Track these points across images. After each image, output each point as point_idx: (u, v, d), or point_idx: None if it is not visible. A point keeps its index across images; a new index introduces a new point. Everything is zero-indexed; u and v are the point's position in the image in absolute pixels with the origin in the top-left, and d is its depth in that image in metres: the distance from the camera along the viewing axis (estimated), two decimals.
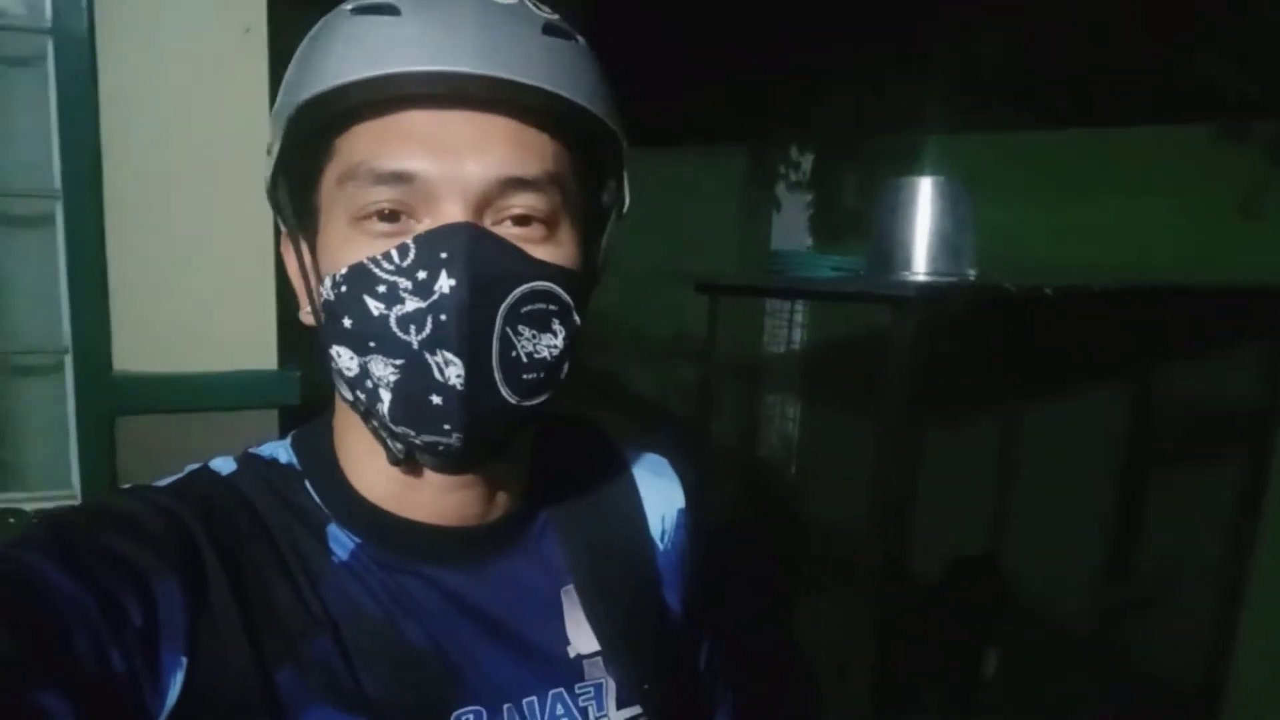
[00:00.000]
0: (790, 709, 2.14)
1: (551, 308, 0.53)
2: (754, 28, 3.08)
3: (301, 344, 1.46)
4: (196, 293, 1.37)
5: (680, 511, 0.72)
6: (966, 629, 2.26)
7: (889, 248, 1.76)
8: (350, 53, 0.50)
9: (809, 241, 3.30)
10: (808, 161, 3.39)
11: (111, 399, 1.35)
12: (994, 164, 2.66)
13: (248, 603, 0.52)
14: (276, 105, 0.56)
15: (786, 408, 3.17)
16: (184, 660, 0.49)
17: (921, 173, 2.62)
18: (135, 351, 1.35)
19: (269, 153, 0.57)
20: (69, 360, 1.35)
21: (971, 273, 1.73)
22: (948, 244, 1.72)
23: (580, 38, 0.55)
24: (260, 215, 1.38)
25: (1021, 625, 2.66)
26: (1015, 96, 2.68)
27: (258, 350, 1.40)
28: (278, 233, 1.42)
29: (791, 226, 3.37)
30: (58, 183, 1.31)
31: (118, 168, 1.31)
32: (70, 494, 1.39)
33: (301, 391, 1.41)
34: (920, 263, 1.73)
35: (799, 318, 2.89)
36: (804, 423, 3.19)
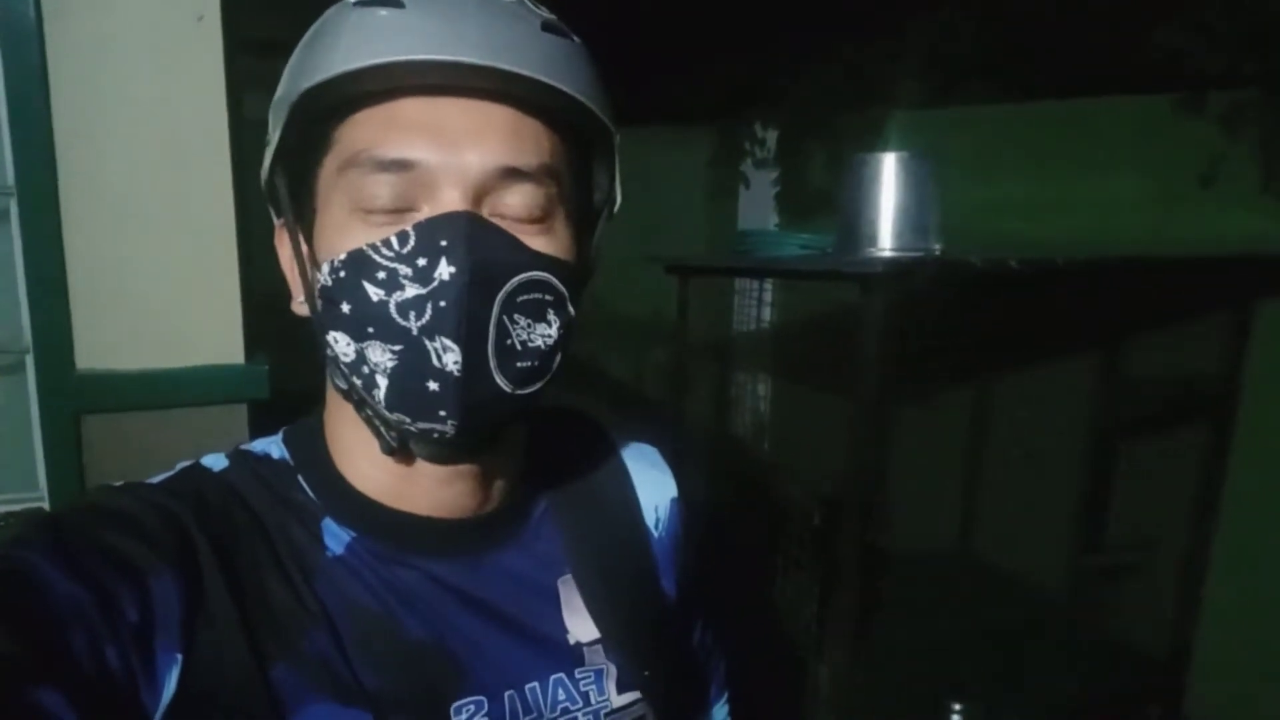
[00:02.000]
0: (773, 686, 2.16)
1: (547, 298, 0.54)
2: (719, 7, 3.07)
3: (270, 336, 1.45)
4: (159, 287, 1.35)
5: (673, 500, 0.73)
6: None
7: (856, 224, 1.77)
8: (353, 42, 0.50)
9: (776, 220, 3.30)
10: (773, 140, 3.39)
11: (75, 398, 1.33)
12: (959, 138, 2.67)
13: (243, 598, 0.52)
14: (277, 95, 0.56)
15: (758, 386, 3.18)
16: (179, 656, 0.49)
17: (888, 148, 2.62)
18: (98, 349, 1.33)
19: (267, 143, 0.57)
20: (30, 360, 1.33)
21: (937, 248, 1.74)
22: (913, 219, 1.73)
23: (577, 38, 0.56)
24: (222, 206, 1.36)
25: (995, 596, 2.70)
26: (979, 70, 2.69)
27: (223, 344, 1.39)
28: (240, 224, 1.40)
29: (759, 205, 3.37)
30: (11, 178, 1.28)
31: (72, 161, 1.29)
32: (37, 495, 1.37)
33: (270, 384, 1.40)
34: (886, 239, 1.73)
35: (769, 296, 2.90)
36: (776, 400, 3.21)
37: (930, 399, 2.70)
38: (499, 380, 0.52)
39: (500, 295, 0.51)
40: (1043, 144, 2.56)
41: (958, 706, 2.12)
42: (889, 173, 1.73)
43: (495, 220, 0.53)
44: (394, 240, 0.51)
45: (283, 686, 0.52)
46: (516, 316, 0.53)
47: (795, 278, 2.57)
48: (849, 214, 1.79)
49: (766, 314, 2.89)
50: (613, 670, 0.63)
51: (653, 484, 0.73)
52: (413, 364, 0.51)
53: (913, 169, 1.74)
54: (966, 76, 2.71)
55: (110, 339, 1.34)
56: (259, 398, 1.40)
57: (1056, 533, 2.62)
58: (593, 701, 0.61)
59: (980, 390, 2.77)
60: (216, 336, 1.39)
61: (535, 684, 0.60)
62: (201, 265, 1.37)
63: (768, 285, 2.85)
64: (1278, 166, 2.13)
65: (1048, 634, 2.53)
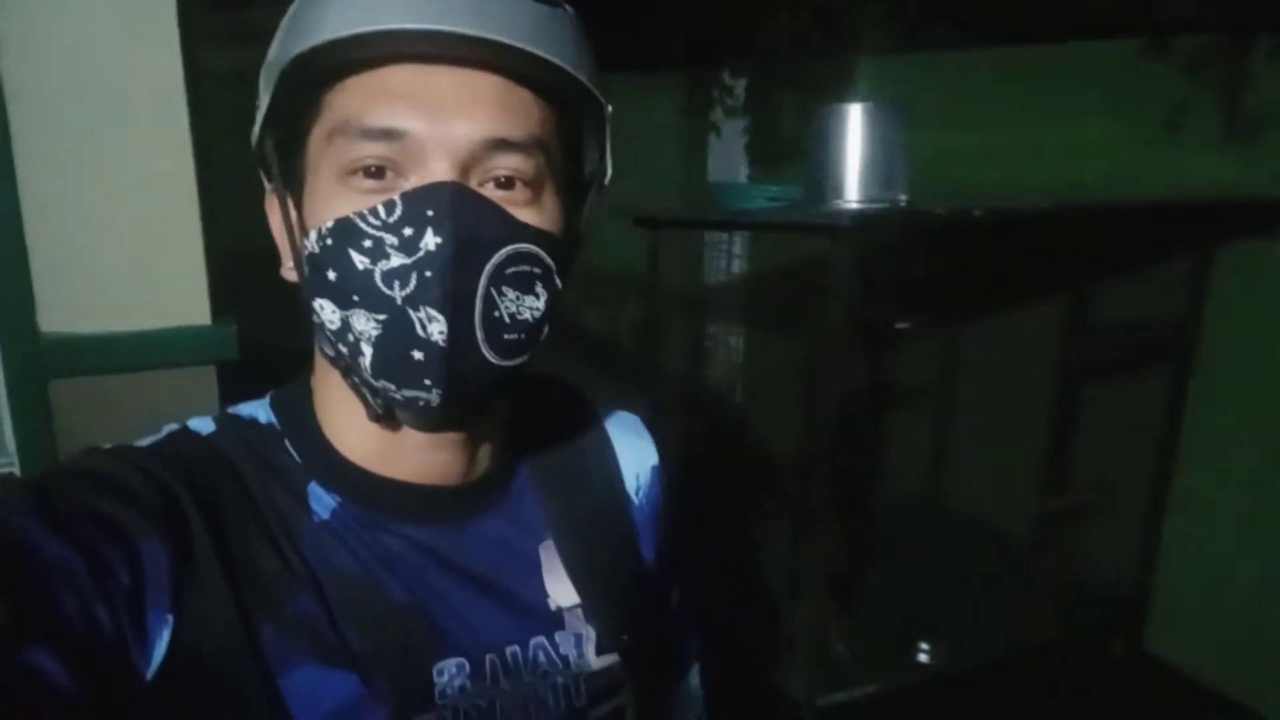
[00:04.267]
0: (750, 641, 2.21)
1: (535, 270, 0.54)
2: None
3: (237, 298, 1.44)
4: (119, 246, 1.33)
5: (654, 468, 0.74)
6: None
7: (823, 175, 1.77)
8: (343, 9, 0.50)
9: (746, 170, 3.29)
10: (743, 88, 3.37)
11: (41, 363, 1.31)
12: (927, 84, 2.67)
13: (231, 561, 0.53)
14: (267, 61, 0.55)
15: (730, 338, 3.20)
16: (170, 618, 0.49)
17: (856, 95, 2.62)
18: (61, 312, 1.32)
19: (256, 107, 0.56)
20: None
21: (903, 198, 1.75)
22: (880, 170, 1.73)
23: (569, 8, 0.56)
24: (181, 164, 1.34)
25: (962, 539, 2.77)
26: (945, 15, 2.68)
27: (189, 304, 1.37)
28: (201, 180, 1.38)
29: (730, 155, 3.36)
30: None
31: (25, 119, 1.26)
32: (7, 461, 1.36)
33: (240, 345, 1.39)
34: (853, 190, 1.74)
35: (739, 248, 2.91)
36: (747, 352, 3.23)
37: (899, 347, 2.73)
38: (486, 352, 0.53)
39: (488, 267, 0.52)
40: (1010, 90, 2.56)
41: (925, 646, 2.18)
42: (855, 123, 1.74)
43: (483, 191, 0.53)
44: (380, 209, 0.51)
45: (270, 648, 0.52)
46: (505, 289, 0.53)
47: (764, 229, 2.57)
48: (817, 165, 1.80)
49: (737, 266, 2.90)
50: (592, 634, 0.64)
51: (634, 452, 0.74)
52: (397, 333, 0.51)
53: (879, 119, 1.74)
54: (933, 21, 2.70)
55: (74, 302, 1.32)
56: (228, 359, 1.39)
57: (1021, 476, 2.68)
58: (572, 665, 0.62)
59: (947, 337, 2.80)
60: (181, 297, 1.37)
61: (515, 647, 0.61)
62: (161, 223, 1.35)
63: (739, 238, 2.86)
64: (1241, 112, 2.15)
65: (1013, 574, 2.59)
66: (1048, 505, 2.62)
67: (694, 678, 0.82)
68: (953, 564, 2.58)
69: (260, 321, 1.33)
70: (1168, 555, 2.52)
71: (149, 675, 0.48)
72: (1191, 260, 2.23)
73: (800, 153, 2.82)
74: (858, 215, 1.66)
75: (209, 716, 0.51)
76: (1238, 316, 2.19)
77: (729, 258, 2.87)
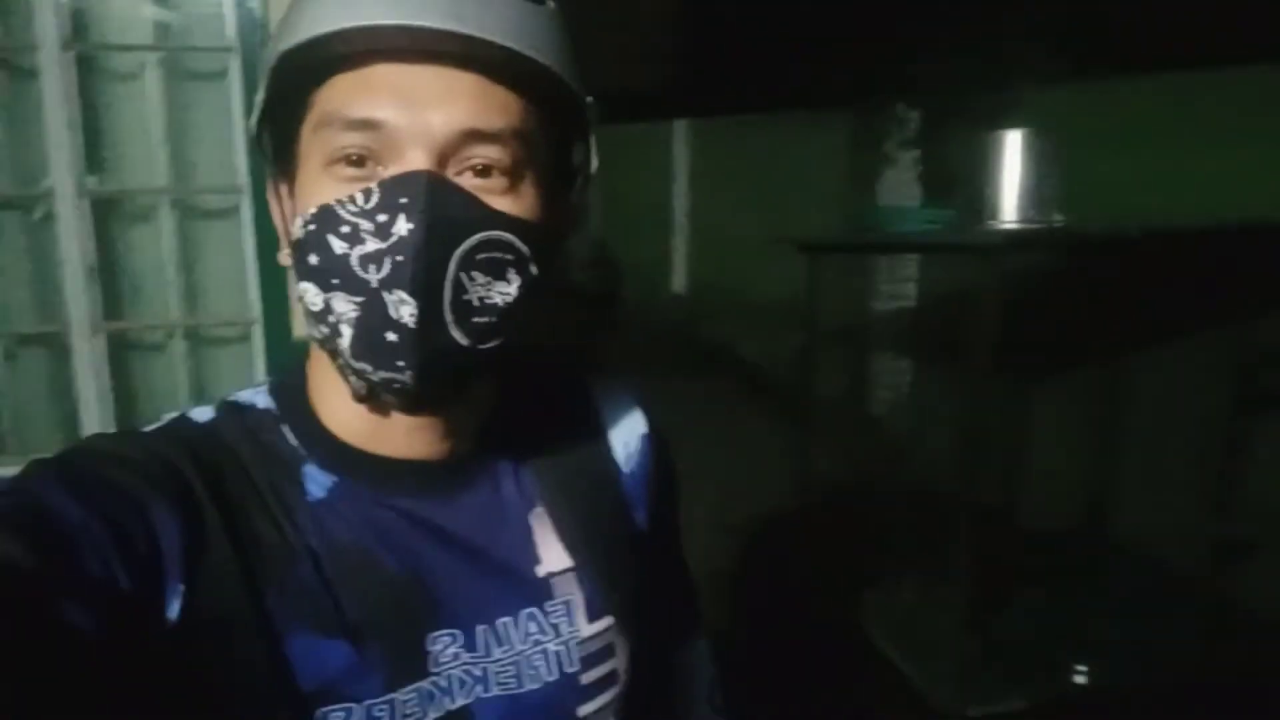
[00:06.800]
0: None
1: (507, 256, 0.55)
2: None
3: None
4: None
5: (643, 437, 0.75)
6: None
7: (980, 199, 1.86)
8: (327, 8, 0.53)
9: (920, 202, 3.34)
10: (911, 122, 3.44)
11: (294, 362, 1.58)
12: (1092, 112, 2.67)
13: (235, 533, 0.55)
14: (263, 56, 0.58)
15: (887, 367, 3.25)
16: (182, 588, 0.51)
17: (1018, 124, 2.66)
18: None
19: (255, 101, 0.59)
20: (258, 330, 1.59)
21: (1059, 219, 1.81)
22: (1035, 193, 1.80)
23: (552, 2, 0.58)
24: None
25: (1126, 569, 2.71)
26: (1108, 44, 2.69)
27: None
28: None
29: (896, 188, 3.42)
30: (242, 179, 1.55)
31: None
32: None
33: None
34: (1009, 212, 1.82)
35: (900, 273, 2.97)
36: (900, 379, 3.26)
37: (1055, 371, 2.72)
38: (455, 334, 0.54)
39: (458, 253, 0.53)
40: (1173, 116, 2.53)
41: (1081, 667, 2.17)
42: (1011, 149, 1.81)
43: (459, 180, 0.54)
44: (359, 196, 0.53)
45: (273, 616, 0.55)
46: (475, 274, 0.54)
47: (912, 250, 2.63)
48: (974, 189, 1.88)
49: (895, 290, 2.96)
50: (581, 601, 0.65)
51: (623, 422, 0.75)
52: (372, 315, 0.53)
53: (1035, 145, 1.81)
54: (1096, 50, 2.70)
55: None
56: None
57: (1186, 504, 2.61)
58: (563, 633, 0.64)
59: (1106, 362, 2.77)
60: None
61: (507, 619, 0.62)
62: None
63: (897, 262, 2.92)
64: None
65: (1178, 603, 2.53)
66: (1212, 533, 2.55)
67: (697, 653, 0.84)
68: (1109, 590, 2.56)
69: None
70: None
71: (162, 639, 0.51)
72: None
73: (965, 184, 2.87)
74: (1011, 235, 1.73)
75: (220, 681, 0.53)
76: None
77: (888, 283, 2.95)
